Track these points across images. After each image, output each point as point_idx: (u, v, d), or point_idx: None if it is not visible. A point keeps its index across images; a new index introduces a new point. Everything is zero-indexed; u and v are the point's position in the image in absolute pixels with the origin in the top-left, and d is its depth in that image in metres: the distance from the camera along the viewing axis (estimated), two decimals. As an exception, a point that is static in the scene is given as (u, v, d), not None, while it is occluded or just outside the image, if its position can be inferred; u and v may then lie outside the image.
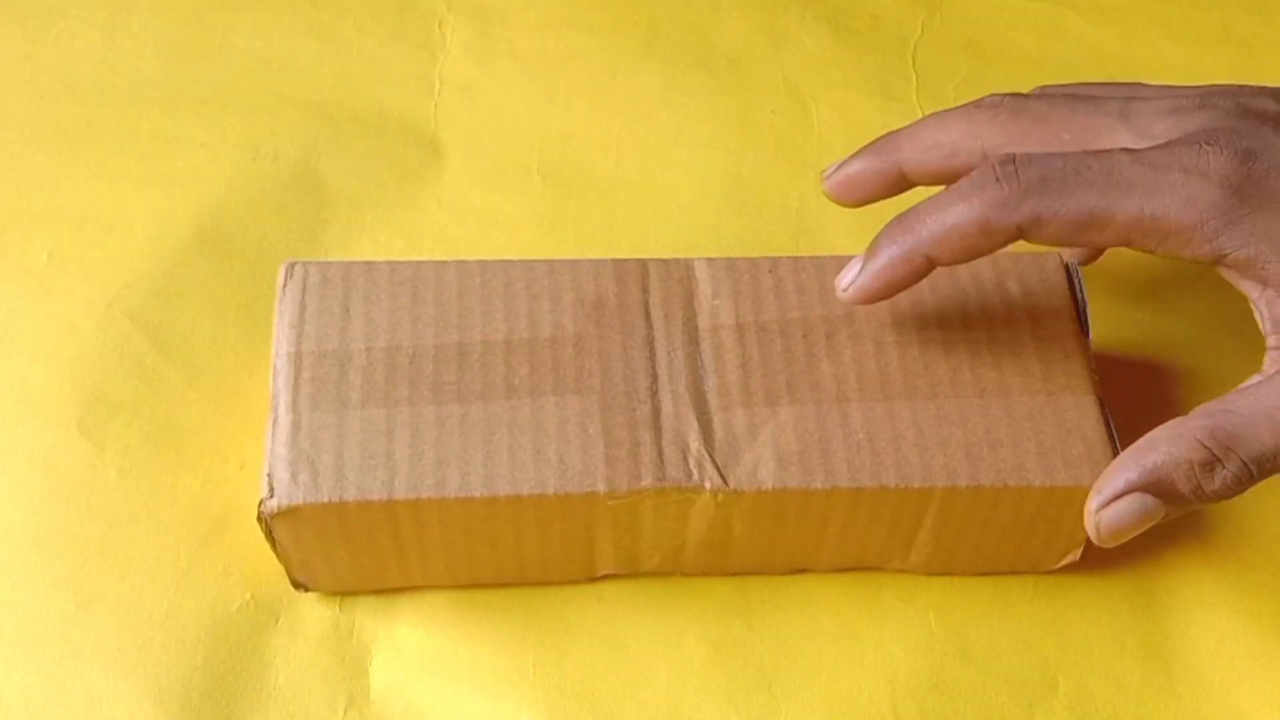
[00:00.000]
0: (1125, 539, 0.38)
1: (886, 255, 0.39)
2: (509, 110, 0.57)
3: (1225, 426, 0.37)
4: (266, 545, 0.40)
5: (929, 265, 0.39)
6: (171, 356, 0.48)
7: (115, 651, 0.42)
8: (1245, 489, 0.37)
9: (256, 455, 0.45)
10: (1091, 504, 0.38)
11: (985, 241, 0.38)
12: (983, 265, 0.44)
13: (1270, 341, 0.39)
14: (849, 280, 0.40)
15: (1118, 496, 0.37)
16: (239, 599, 0.43)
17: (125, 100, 0.55)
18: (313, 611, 0.43)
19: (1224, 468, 0.36)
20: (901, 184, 0.44)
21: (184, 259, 0.51)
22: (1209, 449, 0.36)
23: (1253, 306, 0.39)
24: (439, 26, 0.59)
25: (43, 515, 0.45)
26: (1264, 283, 0.38)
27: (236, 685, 0.42)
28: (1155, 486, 0.37)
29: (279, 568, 0.42)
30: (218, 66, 0.57)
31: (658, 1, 0.60)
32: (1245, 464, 0.36)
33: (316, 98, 0.56)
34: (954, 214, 0.38)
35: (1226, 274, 0.39)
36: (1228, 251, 0.37)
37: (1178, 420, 0.38)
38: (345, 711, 0.42)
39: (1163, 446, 0.37)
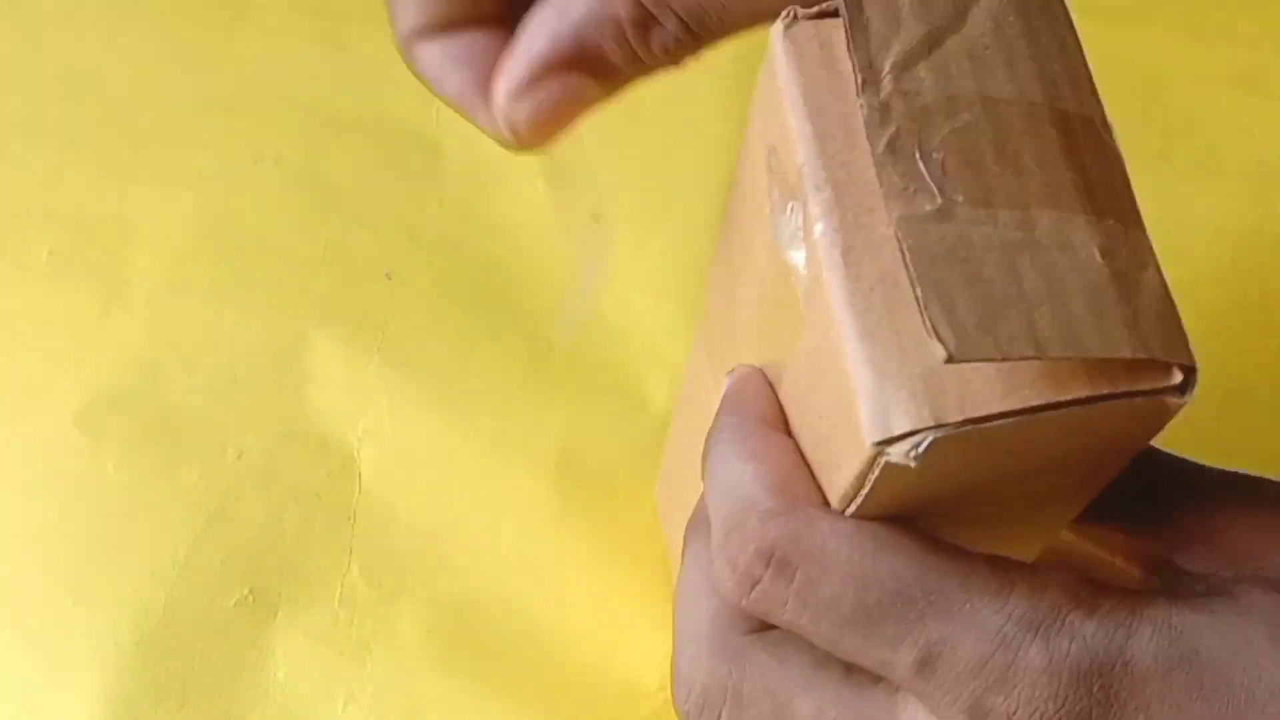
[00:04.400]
0: (554, 134, 0.29)
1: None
2: (511, 114, 0.57)
3: None
4: (265, 538, 0.40)
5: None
6: (169, 350, 0.48)
7: (113, 646, 0.42)
8: (690, 53, 0.29)
9: (254, 447, 0.45)
10: (500, 91, 0.29)
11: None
12: None
13: None
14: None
15: (535, 79, 0.28)
16: (237, 593, 0.43)
17: (127, 102, 0.55)
18: (312, 605, 0.43)
19: (661, 27, 0.28)
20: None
21: (184, 258, 0.51)
22: (640, 4, 0.28)
23: None
24: (442, 34, 0.59)
25: (40, 510, 0.44)
26: None
27: (235, 680, 0.42)
28: (580, 57, 0.28)
29: (278, 561, 0.41)
30: (220, 70, 0.57)
31: (659, 3, 0.60)
32: (682, 20, 0.28)
33: (319, 102, 0.56)
34: None
35: None
36: None
37: None
38: (344, 706, 0.41)
39: (580, 4, 0.28)
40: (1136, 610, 0.26)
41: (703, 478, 0.30)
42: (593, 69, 0.28)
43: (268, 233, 0.51)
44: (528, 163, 0.54)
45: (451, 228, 0.53)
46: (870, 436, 0.24)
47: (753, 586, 0.27)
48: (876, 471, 0.25)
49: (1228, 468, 0.31)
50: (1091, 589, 0.27)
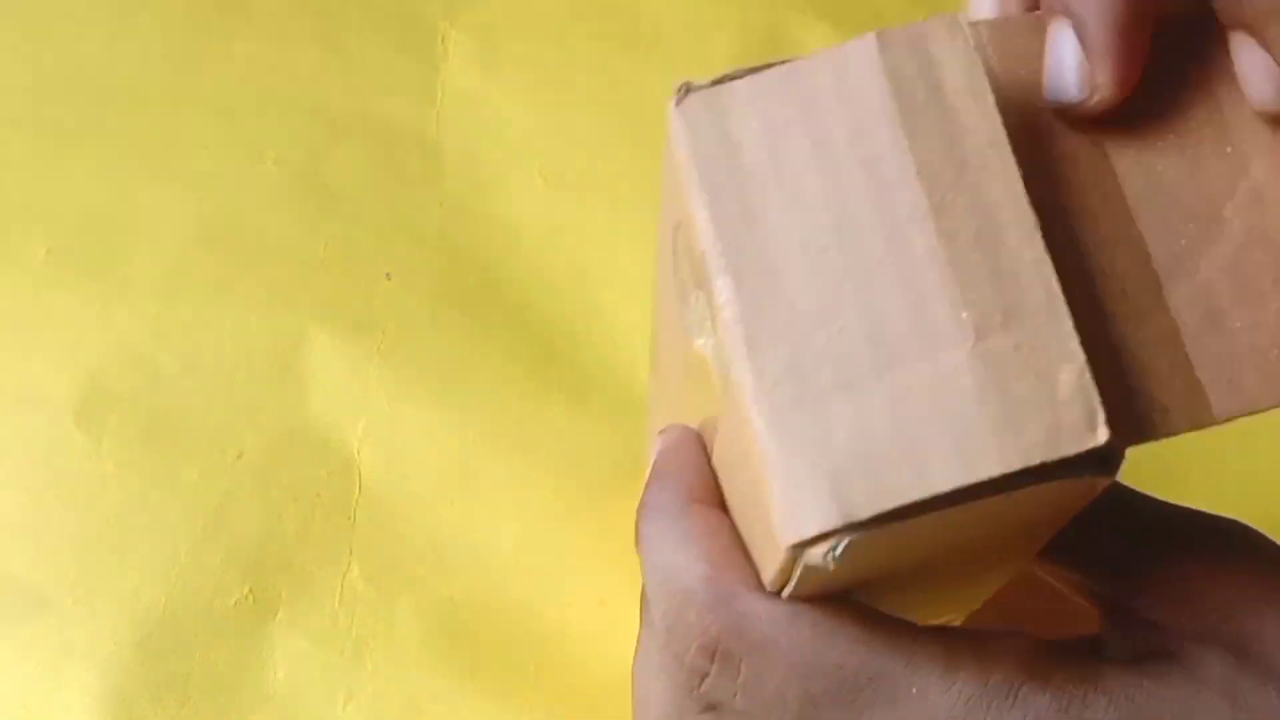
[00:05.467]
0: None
1: None
2: (510, 116, 0.57)
3: None
4: (265, 538, 0.40)
5: None
6: (169, 349, 0.48)
7: (113, 646, 0.42)
8: None
9: (254, 446, 0.45)
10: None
11: None
12: None
13: None
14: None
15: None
16: (237, 593, 0.43)
17: (127, 102, 0.55)
18: (312, 606, 0.43)
19: None
20: None
21: (184, 258, 0.51)
22: None
23: None
24: (441, 40, 0.59)
25: (40, 510, 0.44)
26: None
27: (235, 680, 0.42)
28: None
29: (278, 561, 0.41)
30: (221, 71, 0.57)
31: (659, 5, 0.60)
32: None
33: (319, 104, 0.56)
34: None
35: None
36: None
37: None
38: (344, 706, 0.41)
39: None
40: (1090, 680, 0.26)
41: (638, 554, 0.29)
42: None
43: (268, 233, 0.51)
44: (528, 163, 0.55)
45: (451, 228, 0.53)
46: (785, 540, 0.24)
47: (701, 680, 0.27)
48: (798, 570, 0.24)
49: (1219, 485, 0.30)
50: (1044, 658, 0.26)
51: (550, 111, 0.57)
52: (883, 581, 0.28)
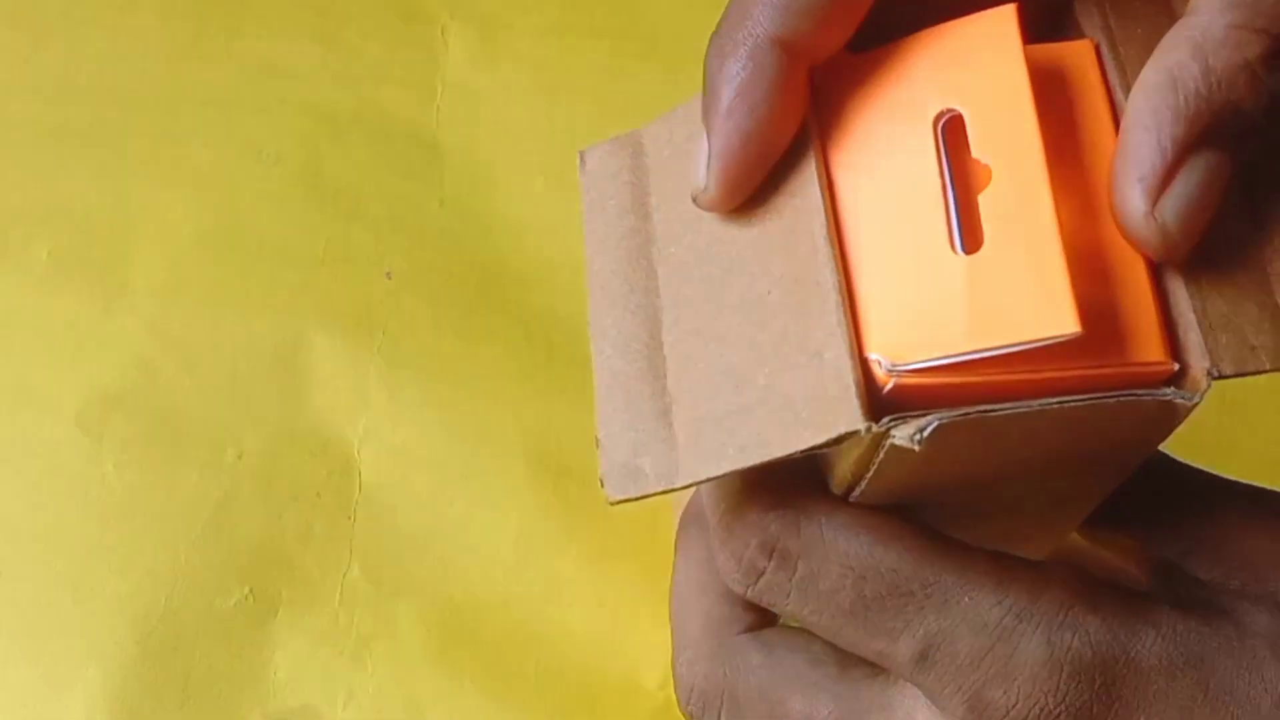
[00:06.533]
0: (1204, 228, 0.25)
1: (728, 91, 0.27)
2: (511, 113, 0.56)
3: None
4: (265, 538, 0.40)
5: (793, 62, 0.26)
6: (170, 350, 0.48)
7: (113, 646, 0.42)
8: None
9: (254, 446, 0.45)
10: (1133, 198, 0.25)
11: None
12: None
13: None
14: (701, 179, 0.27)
15: (1170, 171, 0.24)
16: (237, 593, 0.43)
17: (128, 101, 0.55)
18: (312, 606, 0.43)
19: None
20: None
21: (184, 257, 0.51)
22: (1253, 28, 0.24)
23: None
24: (441, 33, 0.59)
25: (41, 510, 0.44)
26: None
27: (235, 680, 0.42)
28: (1212, 128, 0.24)
29: (278, 561, 0.41)
30: (220, 69, 0.57)
31: (659, 3, 0.60)
32: None
33: (319, 101, 0.56)
34: None
35: None
36: None
37: (1181, 24, 0.25)
38: (344, 706, 0.42)
39: (1191, 64, 0.24)
40: (1140, 612, 0.26)
41: None
42: (1224, 139, 0.25)
43: (268, 232, 0.51)
44: (528, 163, 0.54)
45: (451, 228, 0.52)
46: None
47: (758, 578, 0.27)
48: (881, 454, 0.25)
49: (1228, 468, 0.31)
50: (1094, 587, 0.27)
51: (550, 108, 0.57)
52: (948, 511, 0.28)
